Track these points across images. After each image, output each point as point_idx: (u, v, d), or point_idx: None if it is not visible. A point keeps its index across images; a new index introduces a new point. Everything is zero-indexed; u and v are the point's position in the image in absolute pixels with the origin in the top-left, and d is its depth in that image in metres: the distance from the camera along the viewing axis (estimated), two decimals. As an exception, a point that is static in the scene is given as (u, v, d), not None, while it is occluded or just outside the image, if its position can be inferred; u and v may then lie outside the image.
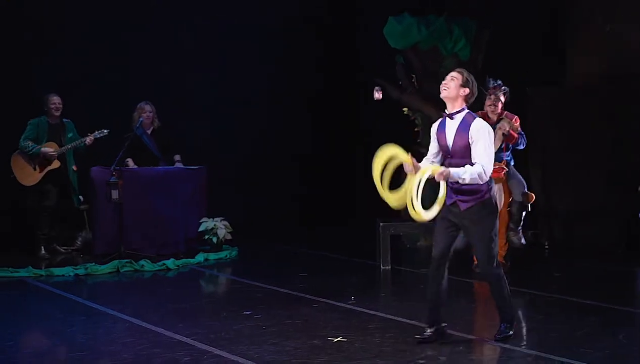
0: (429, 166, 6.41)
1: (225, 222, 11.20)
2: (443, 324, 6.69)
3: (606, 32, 11.59)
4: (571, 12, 12.09)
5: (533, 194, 9.54)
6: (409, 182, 6.39)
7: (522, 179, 9.56)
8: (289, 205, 13.77)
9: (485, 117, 9.39)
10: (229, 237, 11.21)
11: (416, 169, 6.40)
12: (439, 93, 6.61)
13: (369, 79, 12.46)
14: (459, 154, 6.46)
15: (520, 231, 9.55)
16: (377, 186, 6.53)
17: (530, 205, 9.58)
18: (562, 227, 11.59)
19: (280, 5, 13.69)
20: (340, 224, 13.67)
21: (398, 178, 6.55)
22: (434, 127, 6.66)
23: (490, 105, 9.43)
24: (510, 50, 11.81)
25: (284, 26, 13.73)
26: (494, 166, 8.08)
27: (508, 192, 9.50)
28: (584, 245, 11.09)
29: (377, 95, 11.84)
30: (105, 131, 10.89)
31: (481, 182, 6.40)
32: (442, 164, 6.58)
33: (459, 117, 6.49)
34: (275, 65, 13.79)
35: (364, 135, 13.83)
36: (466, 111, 6.52)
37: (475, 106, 10.25)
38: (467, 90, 6.49)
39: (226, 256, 10.99)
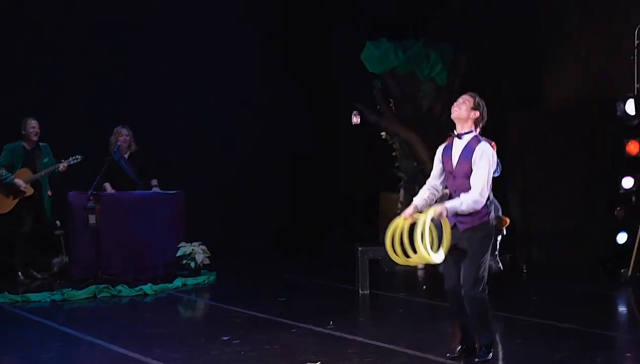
0: (427, 211, 6.44)
1: (203, 247, 11.15)
2: (474, 344, 6.74)
3: (582, 58, 11.71)
4: (549, 38, 12.20)
5: (507, 219, 9.56)
6: (420, 225, 6.34)
7: (497, 203, 9.58)
8: (267, 229, 13.75)
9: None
10: (207, 262, 11.16)
11: (408, 217, 6.48)
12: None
13: (347, 103, 12.51)
14: (461, 175, 6.58)
15: (497, 255, 9.57)
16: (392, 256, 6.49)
17: (506, 228, 9.61)
18: (540, 250, 11.64)
19: (258, 31, 13.73)
20: (318, 248, 13.67)
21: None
22: (440, 149, 6.77)
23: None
24: (488, 75, 11.91)
25: (264, 50, 13.80)
26: None
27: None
28: (562, 268, 11.13)
29: (355, 119, 11.89)
30: (78, 157, 10.82)
31: (478, 209, 6.49)
32: (445, 186, 6.72)
33: (466, 138, 6.63)
34: (256, 89, 13.83)
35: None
36: (474, 133, 6.62)
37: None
38: (477, 113, 6.64)
39: (204, 280, 10.94)
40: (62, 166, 10.82)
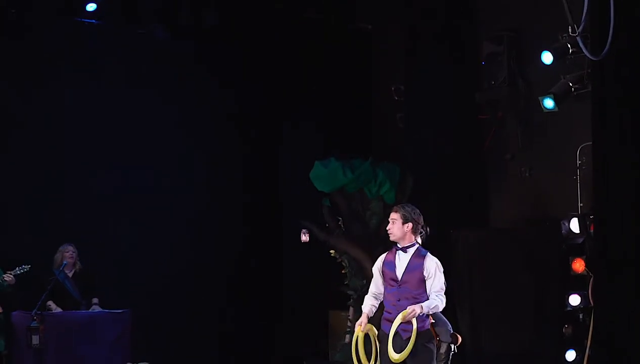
0: (399, 316, 6.65)
1: (150, 367, 10.97)
2: None
3: (525, 178, 11.96)
4: (492, 158, 12.46)
5: (460, 336, 9.55)
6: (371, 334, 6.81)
7: (447, 321, 9.58)
8: (214, 348, 13.56)
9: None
10: (154, 382, 10.96)
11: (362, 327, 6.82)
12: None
13: (295, 221, 12.56)
14: (409, 285, 6.81)
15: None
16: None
17: (457, 347, 9.58)
18: (489, 370, 11.59)
19: (203, 143, 13.80)
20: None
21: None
22: (379, 263, 6.86)
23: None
24: (434, 194, 12.07)
25: (210, 164, 13.85)
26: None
27: (435, 335, 9.48)
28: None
29: (304, 237, 11.94)
30: (25, 266, 10.57)
31: (440, 310, 6.83)
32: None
33: (410, 251, 6.87)
34: (201, 206, 13.82)
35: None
36: (416, 245, 6.77)
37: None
38: (409, 225, 6.81)
39: (150, 402, 10.72)
40: (8, 277, 10.49)
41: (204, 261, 13.74)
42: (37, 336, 10.21)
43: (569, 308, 10.64)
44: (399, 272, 6.76)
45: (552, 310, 11.09)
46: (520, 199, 12.10)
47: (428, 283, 6.79)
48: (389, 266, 6.83)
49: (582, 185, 10.96)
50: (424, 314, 6.82)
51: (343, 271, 12.04)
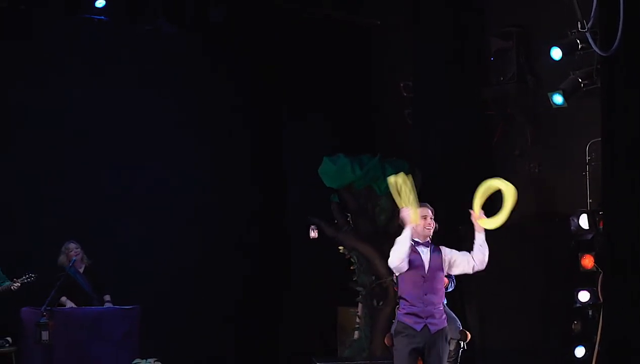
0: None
1: (159, 363, 10.96)
2: None
3: (535, 174, 11.94)
4: (501, 154, 12.44)
5: (468, 333, 9.56)
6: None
7: (457, 318, 9.58)
8: (223, 344, 13.57)
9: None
10: (162, 378, 10.98)
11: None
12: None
13: (303, 218, 12.56)
14: (434, 279, 7.12)
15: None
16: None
17: (466, 343, 9.59)
18: (498, 365, 11.59)
19: (210, 141, 13.81)
20: (275, 362, 13.50)
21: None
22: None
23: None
24: (443, 190, 12.06)
25: (214, 164, 13.86)
26: None
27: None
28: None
29: (313, 234, 11.95)
30: (32, 275, 10.65)
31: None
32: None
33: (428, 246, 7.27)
34: (208, 201, 13.83)
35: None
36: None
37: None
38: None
39: (159, 398, 10.74)
40: (15, 285, 10.62)
41: (210, 257, 13.75)
42: (47, 332, 10.23)
43: (578, 304, 10.62)
44: (426, 267, 6.94)
45: (561, 306, 11.07)
46: (529, 195, 12.05)
47: (456, 259, 7.17)
48: (414, 261, 6.98)
49: (591, 181, 10.94)
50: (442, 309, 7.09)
51: (352, 268, 12.04)
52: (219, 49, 13.68)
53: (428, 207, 7.26)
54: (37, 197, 12.36)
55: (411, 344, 6.83)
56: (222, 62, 13.71)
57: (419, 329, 6.81)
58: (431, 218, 7.19)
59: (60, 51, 12.60)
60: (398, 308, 7.25)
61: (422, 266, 7.00)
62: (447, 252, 7.21)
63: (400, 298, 7.19)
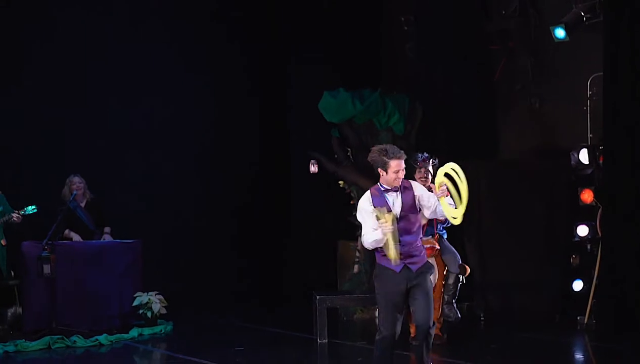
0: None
1: (160, 297, 11.04)
2: None
3: (536, 109, 11.90)
4: (502, 89, 12.39)
5: (468, 267, 9.62)
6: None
7: (456, 252, 9.64)
8: (224, 278, 13.67)
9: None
10: (163, 311, 11.05)
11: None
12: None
13: (304, 152, 12.55)
14: (407, 220, 6.88)
15: (455, 304, 9.60)
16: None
17: (465, 277, 9.66)
18: (497, 299, 11.68)
19: (213, 76, 13.78)
20: (276, 296, 13.62)
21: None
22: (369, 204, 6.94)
23: (420, 178, 9.55)
24: (443, 125, 12.04)
25: (217, 95, 13.84)
26: (425, 242, 8.33)
27: (442, 265, 9.56)
28: (519, 316, 11.18)
29: (313, 168, 11.94)
30: (34, 207, 10.65)
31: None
32: None
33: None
34: (209, 137, 13.83)
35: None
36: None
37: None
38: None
39: (161, 331, 10.82)
40: (17, 216, 10.65)
41: (213, 192, 13.81)
42: (48, 266, 10.28)
43: (576, 239, 10.68)
44: (397, 211, 6.78)
45: (560, 240, 11.14)
46: (529, 130, 12.06)
47: (423, 202, 6.90)
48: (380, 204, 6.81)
49: (592, 116, 10.91)
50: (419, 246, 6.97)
51: (352, 202, 12.06)
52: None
53: (403, 159, 6.94)
54: (38, 130, 12.38)
55: (393, 287, 6.75)
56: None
57: (398, 270, 6.74)
58: (403, 170, 6.91)
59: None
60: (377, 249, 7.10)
61: (391, 211, 6.79)
62: (418, 190, 6.96)
63: None
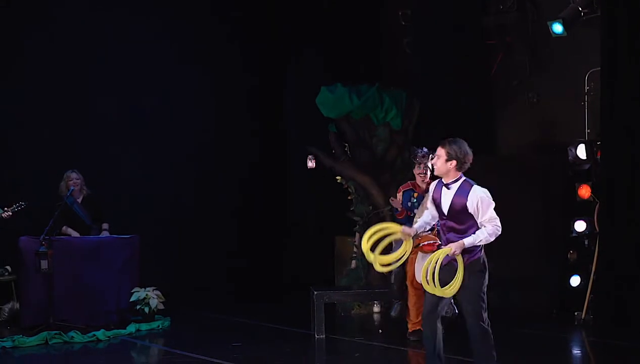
0: (440, 251, 6.76)
1: (158, 292, 11.03)
2: None
3: (533, 104, 11.90)
4: (500, 84, 12.38)
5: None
6: (405, 246, 6.86)
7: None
8: (221, 274, 13.68)
9: (416, 186, 9.58)
10: (161, 307, 11.04)
11: (407, 235, 6.83)
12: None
13: (301, 148, 12.56)
14: (455, 220, 6.81)
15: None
16: (365, 251, 6.83)
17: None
18: (495, 294, 11.66)
19: (213, 76, 13.78)
20: (273, 292, 13.63)
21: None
22: (432, 190, 6.83)
23: (419, 173, 9.56)
24: (440, 120, 12.03)
25: (216, 93, 13.83)
26: (427, 238, 8.30)
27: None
28: (517, 311, 11.18)
29: (310, 164, 11.95)
30: (22, 203, 10.62)
31: (494, 238, 6.82)
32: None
33: (454, 187, 6.83)
34: (208, 134, 13.83)
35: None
36: (460, 181, 6.84)
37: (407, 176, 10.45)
38: (454, 162, 6.74)
39: (158, 326, 10.81)
40: (7, 214, 10.62)
41: (210, 187, 13.82)
42: (46, 261, 10.26)
43: (574, 234, 10.69)
44: (445, 208, 6.77)
45: (557, 236, 11.14)
46: (527, 125, 12.05)
47: (479, 214, 6.77)
48: (436, 200, 6.86)
49: (589, 111, 10.91)
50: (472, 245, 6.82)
51: (349, 197, 12.06)
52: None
53: (443, 146, 6.85)
54: (37, 127, 12.37)
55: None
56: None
57: (444, 264, 6.74)
58: (438, 157, 6.84)
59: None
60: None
61: (440, 206, 6.83)
62: (471, 200, 6.77)
63: None
